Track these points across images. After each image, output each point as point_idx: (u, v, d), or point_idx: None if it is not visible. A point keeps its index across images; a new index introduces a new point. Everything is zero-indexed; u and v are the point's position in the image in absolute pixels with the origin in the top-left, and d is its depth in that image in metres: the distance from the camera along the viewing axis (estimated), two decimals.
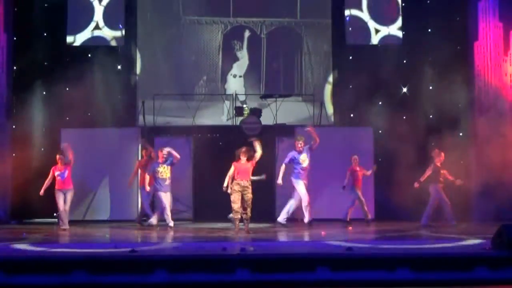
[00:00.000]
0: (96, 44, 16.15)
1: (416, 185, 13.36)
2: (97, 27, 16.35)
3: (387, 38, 16.41)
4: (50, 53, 15.71)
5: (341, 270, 8.14)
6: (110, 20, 16.27)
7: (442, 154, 13.42)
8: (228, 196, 12.15)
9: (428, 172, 13.34)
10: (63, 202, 12.95)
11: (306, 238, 11.66)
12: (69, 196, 13.00)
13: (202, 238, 11.53)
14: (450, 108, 14.68)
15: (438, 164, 13.37)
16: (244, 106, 15.67)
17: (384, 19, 16.45)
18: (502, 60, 15.18)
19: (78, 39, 16.22)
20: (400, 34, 16.36)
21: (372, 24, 16.51)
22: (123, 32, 16.16)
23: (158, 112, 15.52)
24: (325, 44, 16.43)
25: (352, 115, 15.75)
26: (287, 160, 12.98)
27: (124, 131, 15.15)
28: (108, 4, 16.23)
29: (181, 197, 14.82)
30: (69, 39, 16.14)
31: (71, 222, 13.24)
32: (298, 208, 13.37)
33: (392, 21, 16.42)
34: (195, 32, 16.32)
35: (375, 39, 16.48)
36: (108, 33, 16.26)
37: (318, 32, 16.45)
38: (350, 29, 16.45)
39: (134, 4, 16.29)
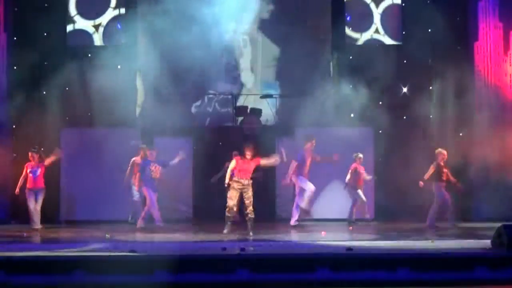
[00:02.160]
0: (96, 44, 16.16)
1: (420, 184, 13.28)
2: (97, 26, 16.38)
3: (388, 34, 16.47)
4: (50, 53, 15.70)
5: (341, 270, 8.14)
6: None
7: (445, 152, 13.38)
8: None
9: (431, 171, 13.26)
10: (35, 201, 12.90)
11: (306, 238, 11.65)
12: (41, 195, 12.95)
13: (202, 238, 11.52)
14: (450, 108, 14.68)
15: (441, 162, 13.33)
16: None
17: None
18: (502, 60, 15.19)
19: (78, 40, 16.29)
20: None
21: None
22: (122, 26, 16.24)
23: (160, 111, 15.54)
24: (325, 43, 16.41)
25: (352, 115, 15.75)
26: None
27: (124, 131, 15.14)
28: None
29: (181, 197, 14.82)
30: (70, 39, 16.19)
31: (71, 222, 13.24)
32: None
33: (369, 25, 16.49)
34: (198, 34, 16.28)
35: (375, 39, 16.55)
36: (109, 29, 16.32)
37: (318, 32, 16.43)
38: (350, 29, 16.48)
39: (134, 4, 16.28)
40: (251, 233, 11.65)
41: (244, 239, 11.19)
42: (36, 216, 12.86)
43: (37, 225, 12.84)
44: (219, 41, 16.51)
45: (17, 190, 13.11)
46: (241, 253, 8.83)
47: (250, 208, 11.72)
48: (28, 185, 12.99)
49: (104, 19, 16.34)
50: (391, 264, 8.20)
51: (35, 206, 12.90)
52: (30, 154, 13.04)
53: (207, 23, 16.24)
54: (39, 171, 12.90)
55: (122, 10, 16.31)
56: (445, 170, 13.34)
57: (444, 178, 13.29)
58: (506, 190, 14.31)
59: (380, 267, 8.20)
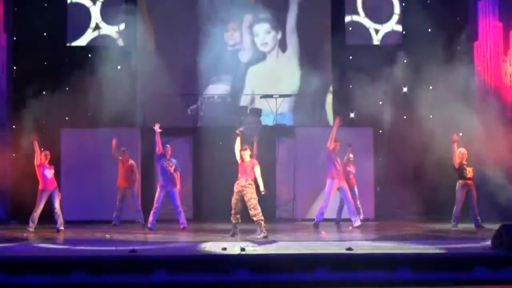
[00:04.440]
0: (96, 44, 16.17)
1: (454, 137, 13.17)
2: (97, 27, 16.37)
3: (388, 35, 16.45)
4: (50, 53, 15.71)
5: (341, 270, 8.14)
6: (108, 18, 16.30)
7: (464, 151, 13.31)
8: (228, 196, 12.08)
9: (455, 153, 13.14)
10: (45, 203, 12.70)
11: (306, 238, 11.64)
12: (58, 195, 12.71)
13: (202, 238, 11.51)
14: (450, 108, 14.67)
15: (464, 162, 13.26)
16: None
17: (381, 17, 16.49)
18: (502, 60, 15.20)
19: (78, 40, 16.28)
20: (399, 28, 16.40)
21: (371, 25, 16.55)
22: (122, 26, 16.21)
23: (159, 111, 15.58)
24: (325, 44, 16.42)
25: (352, 115, 15.75)
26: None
27: (124, 131, 15.14)
28: (106, 3, 16.31)
29: (181, 197, 14.80)
30: (70, 39, 16.18)
31: (71, 222, 13.24)
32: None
33: (389, 17, 16.47)
34: (197, 33, 16.28)
35: (376, 40, 16.52)
36: (109, 30, 16.30)
37: (318, 32, 16.45)
38: (350, 28, 16.50)
39: (133, 4, 16.29)
40: (258, 235, 11.15)
41: (244, 239, 11.15)
42: (36, 219, 12.72)
43: (32, 228, 12.65)
44: (221, 41, 16.55)
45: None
46: (241, 253, 8.84)
47: (252, 211, 11.09)
48: (41, 187, 12.62)
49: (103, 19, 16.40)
50: (391, 264, 8.20)
51: (41, 207, 12.75)
52: (44, 154, 12.84)
53: (209, 24, 16.29)
54: (52, 171, 12.77)
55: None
56: (468, 168, 13.25)
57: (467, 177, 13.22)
58: (506, 190, 14.31)
59: (380, 267, 8.20)
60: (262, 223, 11.18)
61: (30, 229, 12.51)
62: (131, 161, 13.84)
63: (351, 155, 13.93)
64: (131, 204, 13.73)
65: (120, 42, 16.29)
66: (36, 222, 12.63)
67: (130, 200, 13.72)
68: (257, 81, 16.56)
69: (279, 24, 16.60)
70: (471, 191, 13.13)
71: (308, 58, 16.33)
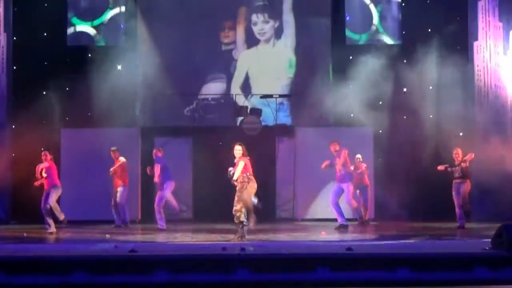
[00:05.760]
0: (97, 44, 16.18)
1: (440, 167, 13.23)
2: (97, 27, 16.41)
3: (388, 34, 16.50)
4: (50, 53, 15.71)
5: (341, 270, 8.14)
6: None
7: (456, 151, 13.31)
8: (228, 195, 12.05)
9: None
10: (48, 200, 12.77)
11: (306, 238, 11.64)
12: (54, 193, 12.63)
13: (202, 238, 11.51)
14: (450, 108, 14.68)
15: (456, 161, 13.27)
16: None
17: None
18: (502, 60, 15.18)
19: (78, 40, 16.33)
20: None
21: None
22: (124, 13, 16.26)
23: (160, 111, 15.59)
24: (324, 44, 16.41)
25: (352, 115, 15.74)
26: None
27: (124, 131, 15.14)
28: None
29: (181, 197, 14.83)
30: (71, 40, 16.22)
31: (71, 222, 13.25)
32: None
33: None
34: (197, 33, 16.28)
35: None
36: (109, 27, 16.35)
37: (318, 32, 16.44)
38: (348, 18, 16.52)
39: (134, 4, 16.29)
40: (236, 236, 10.76)
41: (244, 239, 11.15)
42: (46, 217, 12.68)
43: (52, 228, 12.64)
44: (220, 41, 16.56)
45: (37, 183, 12.72)
46: (241, 253, 8.84)
47: (234, 206, 10.70)
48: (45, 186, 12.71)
49: (103, 19, 16.36)
50: (391, 264, 8.20)
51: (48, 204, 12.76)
52: (43, 153, 12.82)
53: (208, 23, 16.28)
54: (51, 170, 12.76)
55: (123, 9, 16.35)
56: (464, 165, 13.24)
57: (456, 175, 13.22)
58: (506, 190, 14.30)
59: (380, 267, 8.20)
60: (238, 223, 10.72)
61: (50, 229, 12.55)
62: (123, 160, 13.76)
63: (358, 156, 13.97)
64: (119, 201, 13.67)
65: (121, 42, 16.27)
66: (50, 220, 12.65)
67: (118, 198, 13.64)
68: (255, 79, 16.53)
69: (277, 14, 16.60)
70: (458, 189, 13.16)
71: (308, 57, 16.32)
